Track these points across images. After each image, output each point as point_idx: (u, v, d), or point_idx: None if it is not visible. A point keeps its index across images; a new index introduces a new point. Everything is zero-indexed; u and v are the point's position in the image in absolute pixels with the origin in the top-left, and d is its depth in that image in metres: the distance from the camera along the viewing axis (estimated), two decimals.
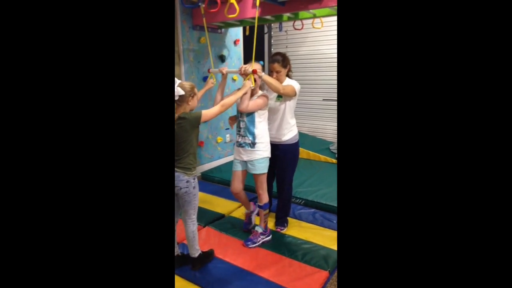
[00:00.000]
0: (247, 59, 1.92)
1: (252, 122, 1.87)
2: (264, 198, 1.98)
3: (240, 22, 3.09)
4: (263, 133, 1.90)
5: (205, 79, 3.24)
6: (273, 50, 5.03)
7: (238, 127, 1.94)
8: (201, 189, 2.90)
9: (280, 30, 3.30)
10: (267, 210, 2.03)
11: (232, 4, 2.35)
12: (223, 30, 3.45)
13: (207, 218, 2.37)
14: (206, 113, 1.63)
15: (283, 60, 1.95)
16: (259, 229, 2.03)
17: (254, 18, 2.77)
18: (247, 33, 3.24)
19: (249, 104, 1.79)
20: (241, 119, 1.90)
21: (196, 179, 1.69)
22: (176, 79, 1.54)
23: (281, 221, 2.23)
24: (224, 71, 1.95)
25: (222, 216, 2.42)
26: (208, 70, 2.17)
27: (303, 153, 3.71)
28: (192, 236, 1.74)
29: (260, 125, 1.88)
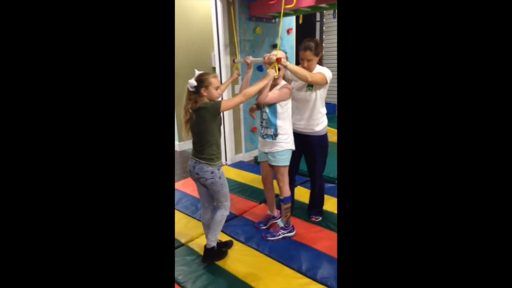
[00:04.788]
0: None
1: (274, 114, 1.81)
2: (285, 191, 1.91)
3: (294, 11, 3.18)
4: (285, 124, 1.83)
5: (259, 68, 3.41)
6: (325, 38, 5.02)
7: (261, 118, 1.89)
8: (255, 171, 3.14)
9: (334, 17, 3.33)
10: (289, 204, 1.93)
11: None
12: (277, 19, 3.57)
13: (263, 197, 2.58)
14: (226, 103, 1.58)
15: (316, 47, 1.83)
16: (280, 223, 2.00)
17: (309, 7, 2.85)
18: (301, 21, 3.33)
19: (268, 95, 1.73)
20: (263, 110, 1.85)
21: (221, 169, 1.65)
22: (196, 70, 1.54)
23: (316, 211, 2.21)
24: (248, 61, 1.87)
25: (275, 195, 2.61)
26: (233, 60, 2.14)
27: None
28: (219, 220, 1.71)
29: (283, 117, 1.81)
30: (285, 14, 3.30)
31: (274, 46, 3.62)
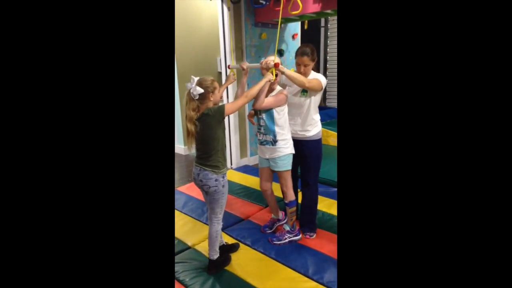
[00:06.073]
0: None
1: (271, 120, 1.80)
2: (290, 195, 1.93)
3: (300, 17, 3.22)
4: (283, 130, 1.83)
5: None
6: (329, 43, 5.06)
7: (259, 124, 1.87)
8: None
9: None
10: (294, 208, 1.95)
11: (296, 1, 2.50)
12: (282, 25, 3.61)
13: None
14: (230, 106, 1.56)
15: (312, 53, 1.83)
16: (286, 227, 2.00)
17: (314, 13, 2.89)
18: (306, 27, 3.37)
19: (264, 101, 1.73)
20: (260, 117, 1.84)
21: (225, 177, 1.63)
22: (193, 77, 1.52)
23: (309, 227, 2.06)
24: (244, 66, 1.85)
25: (280, 199, 2.62)
26: (228, 66, 2.11)
27: None
28: (214, 236, 1.69)
29: (280, 122, 1.81)
30: (290, 20, 3.34)
31: (279, 52, 3.66)
